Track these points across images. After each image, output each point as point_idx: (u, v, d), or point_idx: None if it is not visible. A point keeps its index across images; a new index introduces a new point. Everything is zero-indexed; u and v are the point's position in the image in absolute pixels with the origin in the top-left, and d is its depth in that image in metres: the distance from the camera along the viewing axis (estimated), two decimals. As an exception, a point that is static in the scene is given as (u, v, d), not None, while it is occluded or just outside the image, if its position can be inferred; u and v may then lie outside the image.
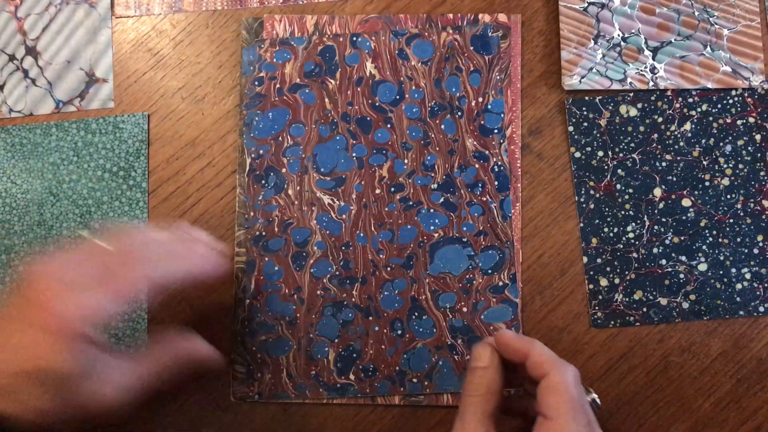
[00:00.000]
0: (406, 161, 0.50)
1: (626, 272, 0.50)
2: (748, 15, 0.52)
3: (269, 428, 0.50)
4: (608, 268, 0.50)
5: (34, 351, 0.37)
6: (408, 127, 0.50)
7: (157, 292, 0.42)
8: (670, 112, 0.51)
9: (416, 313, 0.49)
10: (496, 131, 0.50)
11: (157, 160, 0.53)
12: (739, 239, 0.50)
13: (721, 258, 0.50)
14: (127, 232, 0.44)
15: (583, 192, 0.51)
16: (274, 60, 0.52)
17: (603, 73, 0.51)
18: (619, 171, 0.51)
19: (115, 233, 0.43)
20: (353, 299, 0.50)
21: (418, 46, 0.51)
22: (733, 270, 0.50)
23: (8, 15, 0.55)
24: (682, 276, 0.50)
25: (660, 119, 0.51)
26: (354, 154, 0.50)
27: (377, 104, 0.51)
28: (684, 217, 0.50)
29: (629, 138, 0.51)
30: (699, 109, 0.51)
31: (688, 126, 0.51)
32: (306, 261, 0.50)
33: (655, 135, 0.51)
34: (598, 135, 0.51)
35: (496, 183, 0.50)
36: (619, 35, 0.52)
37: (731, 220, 0.50)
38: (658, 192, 0.51)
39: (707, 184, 0.51)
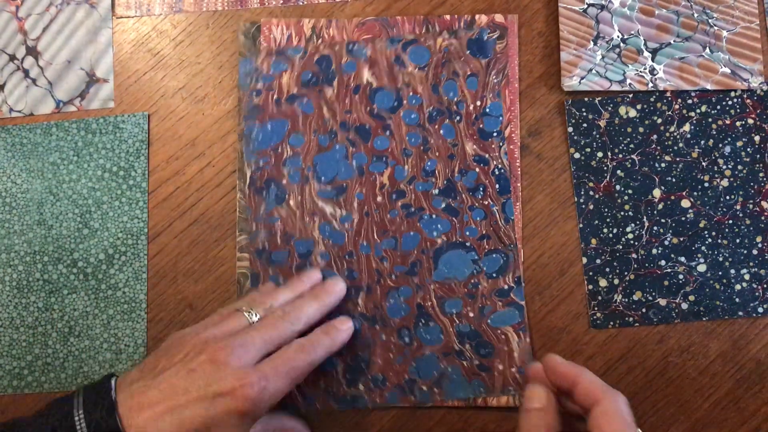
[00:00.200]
0: (406, 167, 0.50)
1: (625, 273, 0.50)
2: (747, 17, 0.52)
3: (268, 428, 0.50)
4: (607, 269, 0.50)
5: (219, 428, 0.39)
6: (407, 134, 0.50)
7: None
8: (670, 113, 0.51)
9: (423, 320, 0.49)
10: (495, 134, 0.50)
11: (157, 160, 0.53)
12: (738, 240, 0.50)
13: (720, 259, 0.50)
14: (300, 308, 0.45)
15: (582, 193, 0.51)
16: (271, 71, 0.52)
17: (602, 74, 0.52)
18: (619, 172, 0.51)
19: (284, 310, 0.45)
20: (359, 308, 0.49)
21: (415, 51, 0.51)
22: (732, 271, 0.50)
23: (9, 15, 0.55)
24: (681, 277, 0.50)
25: (659, 120, 0.51)
26: (354, 163, 0.50)
27: (375, 112, 0.50)
28: (683, 218, 0.50)
29: (629, 139, 0.51)
30: (698, 111, 0.51)
31: (687, 127, 0.51)
32: None
33: (655, 136, 0.51)
34: (598, 136, 0.51)
35: (497, 186, 0.50)
36: (618, 36, 0.52)
37: (730, 221, 0.50)
38: (657, 193, 0.51)
39: (706, 185, 0.51)
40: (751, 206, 0.50)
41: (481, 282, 0.49)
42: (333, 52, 0.51)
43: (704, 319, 0.50)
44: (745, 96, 0.51)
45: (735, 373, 0.49)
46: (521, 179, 0.51)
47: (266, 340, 0.42)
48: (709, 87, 0.51)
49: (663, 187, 0.51)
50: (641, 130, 0.51)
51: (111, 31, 0.55)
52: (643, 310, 0.50)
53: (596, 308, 0.50)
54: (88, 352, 0.51)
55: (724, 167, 0.51)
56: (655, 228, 0.50)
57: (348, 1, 0.54)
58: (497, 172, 0.50)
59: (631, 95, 0.52)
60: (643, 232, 0.50)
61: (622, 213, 0.51)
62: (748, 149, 0.51)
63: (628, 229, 0.51)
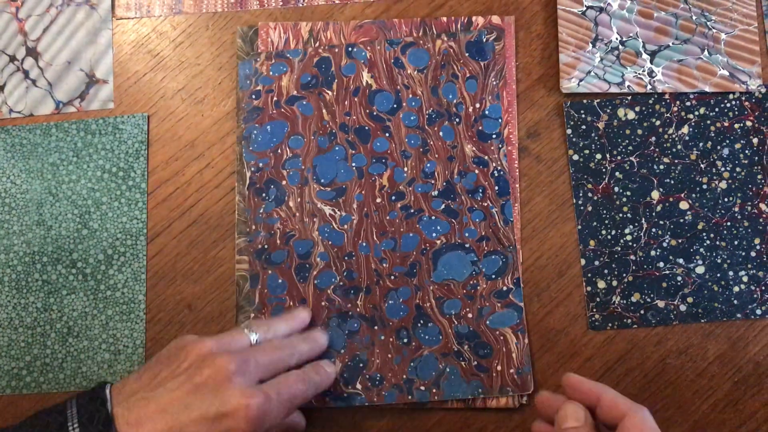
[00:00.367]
0: (405, 169, 0.50)
1: (624, 275, 0.50)
2: (745, 19, 0.52)
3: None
4: (606, 271, 0.50)
5: None
6: (406, 135, 0.50)
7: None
8: (668, 115, 0.52)
9: (421, 321, 0.49)
10: (494, 136, 0.50)
11: (156, 160, 0.53)
12: (736, 242, 0.50)
13: (719, 261, 0.50)
14: (294, 345, 0.46)
15: (581, 194, 0.51)
16: (271, 73, 0.52)
17: (601, 77, 0.52)
18: (617, 174, 0.51)
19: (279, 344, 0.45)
20: (358, 309, 0.49)
21: (414, 54, 0.51)
22: (731, 273, 0.50)
23: (9, 16, 0.55)
24: (679, 278, 0.50)
25: (658, 122, 0.51)
26: (353, 164, 0.50)
27: (375, 113, 0.51)
28: (681, 220, 0.51)
29: (627, 141, 0.51)
30: (696, 113, 0.51)
31: (685, 129, 0.51)
32: (309, 273, 0.50)
33: (653, 138, 0.51)
34: (596, 138, 0.52)
35: (496, 188, 0.50)
36: (617, 39, 0.52)
37: (728, 223, 0.50)
38: (655, 195, 0.51)
39: (705, 187, 0.51)
40: (749, 208, 0.51)
41: (480, 283, 0.49)
42: (332, 54, 0.51)
43: (702, 320, 0.50)
44: (743, 98, 0.51)
45: (733, 374, 0.49)
46: (520, 181, 0.51)
47: (266, 364, 0.42)
48: (707, 89, 0.51)
49: (661, 189, 0.51)
50: (640, 132, 0.51)
51: (111, 32, 0.55)
52: (642, 311, 0.50)
53: (594, 310, 0.50)
54: (87, 352, 0.51)
55: (723, 169, 0.51)
56: (654, 230, 0.50)
57: (347, 3, 0.54)
58: (496, 174, 0.50)
59: (629, 97, 0.52)
60: (642, 234, 0.50)
61: (621, 215, 0.51)
62: (747, 151, 0.51)
63: (627, 230, 0.51)
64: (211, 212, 0.52)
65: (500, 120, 0.50)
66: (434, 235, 0.50)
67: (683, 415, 0.49)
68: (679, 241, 0.50)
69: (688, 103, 0.52)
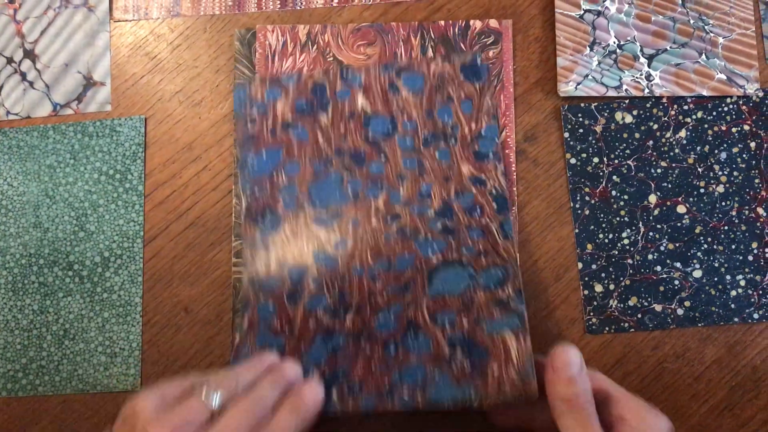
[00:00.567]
0: (401, 191, 0.49)
1: (621, 278, 0.50)
2: (743, 23, 0.52)
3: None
4: (603, 274, 0.50)
5: None
6: (402, 158, 0.50)
7: None
8: (666, 119, 0.52)
9: (412, 332, 0.46)
10: (491, 155, 0.49)
11: (153, 163, 0.53)
12: (733, 246, 0.50)
13: (716, 265, 0.50)
14: (261, 395, 0.41)
15: (578, 198, 0.51)
16: (266, 99, 0.51)
17: (599, 80, 0.52)
18: (615, 177, 0.51)
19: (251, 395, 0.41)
20: (345, 325, 0.47)
21: (409, 78, 0.51)
22: (728, 277, 0.50)
23: (7, 18, 0.55)
24: (676, 282, 0.50)
25: (655, 126, 0.51)
26: (349, 189, 0.49)
27: (370, 137, 0.50)
28: (679, 224, 0.50)
29: (624, 144, 0.51)
30: (694, 117, 0.51)
31: (683, 133, 0.51)
32: (301, 297, 0.48)
33: (651, 142, 0.51)
34: (594, 141, 0.52)
35: (494, 205, 0.49)
36: (614, 42, 0.52)
37: (726, 227, 0.50)
38: (653, 198, 0.51)
39: (702, 191, 0.51)
40: (746, 212, 0.50)
41: (477, 293, 0.47)
42: (327, 80, 0.51)
43: (700, 325, 0.50)
44: (740, 102, 0.51)
45: (731, 379, 0.49)
46: (517, 184, 0.51)
47: None
48: (705, 93, 0.51)
49: (659, 193, 0.51)
50: (637, 135, 0.51)
51: (108, 34, 0.55)
52: (639, 315, 0.50)
53: (591, 314, 0.50)
54: (83, 355, 0.51)
55: (720, 173, 0.51)
56: (651, 234, 0.50)
57: (345, 6, 0.54)
58: (494, 192, 0.49)
59: (627, 101, 0.52)
60: (639, 238, 0.50)
61: (618, 218, 0.51)
62: (744, 155, 0.51)
63: (624, 234, 0.51)
64: (208, 215, 0.52)
65: (496, 140, 0.50)
66: (431, 253, 0.48)
67: (680, 420, 0.49)
68: (677, 244, 0.50)
69: (685, 107, 0.52)
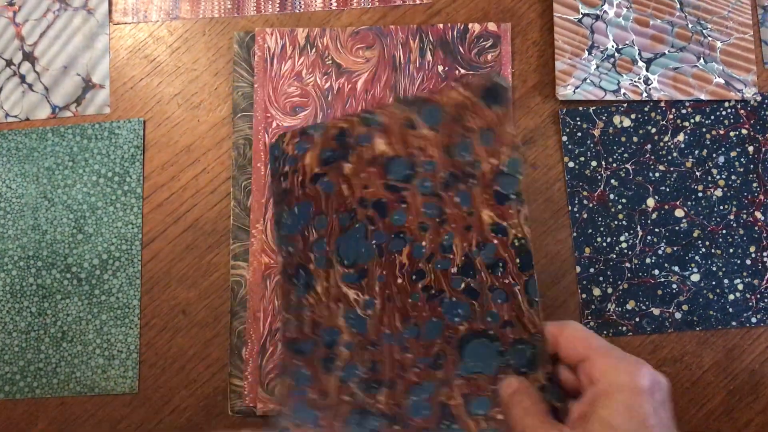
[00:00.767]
0: (424, 243, 0.47)
1: (619, 282, 0.50)
2: (741, 28, 0.52)
3: (260, 435, 0.50)
4: (601, 278, 0.50)
5: None
6: (423, 204, 0.47)
7: None
8: (664, 123, 0.52)
9: (446, 423, 0.44)
10: (513, 197, 0.45)
11: (152, 165, 0.53)
12: (731, 250, 0.50)
13: (714, 269, 0.50)
14: None
15: (576, 202, 0.51)
16: (296, 152, 0.49)
17: (597, 84, 0.52)
18: (613, 181, 0.51)
19: None
20: (380, 405, 0.46)
21: (428, 112, 0.47)
22: (726, 281, 0.50)
23: (6, 20, 0.55)
24: (674, 286, 0.50)
25: (653, 130, 0.52)
26: (374, 242, 0.47)
27: (390, 183, 0.47)
28: (677, 228, 0.51)
29: (623, 148, 0.51)
30: (692, 121, 0.52)
31: (681, 137, 0.51)
32: (334, 363, 0.47)
33: (649, 145, 0.51)
34: (592, 145, 0.52)
35: (517, 260, 0.45)
36: (613, 46, 0.52)
37: (724, 231, 0.50)
38: (651, 202, 0.51)
39: (700, 194, 0.51)
40: (744, 216, 0.51)
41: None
42: (350, 126, 0.48)
43: (698, 328, 0.50)
44: (738, 106, 0.52)
45: (728, 383, 0.49)
46: (515, 188, 0.51)
47: None
48: (703, 97, 0.51)
49: (657, 197, 0.51)
50: (635, 139, 0.51)
51: (108, 37, 0.55)
52: (637, 319, 0.50)
53: (589, 317, 0.50)
54: (81, 357, 0.51)
55: (718, 177, 0.51)
56: (649, 237, 0.50)
57: (344, 9, 0.54)
58: (517, 244, 0.45)
59: (625, 105, 0.52)
60: (637, 242, 0.50)
61: (616, 222, 0.51)
62: (742, 159, 0.51)
63: (622, 238, 0.51)
64: (206, 218, 0.52)
65: (518, 177, 0.46)
66: (456, 319, 0.46)
67: (678, 424, 0.49)
68: (675, 248, 0.50)
69: (683, 111, 0.52)
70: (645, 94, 0.52)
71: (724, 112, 0.51)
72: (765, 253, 0.50)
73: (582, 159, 0.51)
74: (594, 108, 0.52)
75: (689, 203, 0.51)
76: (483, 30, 0.53)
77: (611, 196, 0.51)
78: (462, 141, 0.46)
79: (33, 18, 0.55)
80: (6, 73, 0.55)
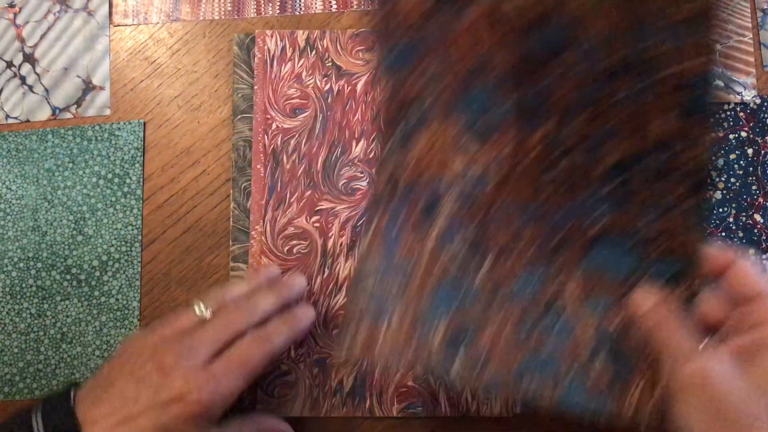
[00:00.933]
0: (571, 127, 0.40)
1: (618, 284, 0.50)
2: (740, 30, 0.52)
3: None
4: (600, 280, 0.50)
5: None
6: (574, 90, 0.40)
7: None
8: (663, 125, 0.52)
9: (553, 314, 0.39)
10: (702, 112, 0.38)
11: (152, 167, 0.53)
12: (730, 252, 0.50)
13: (713, 271, 0.50)
14: (255, 301, 0.44)
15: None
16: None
17: (596, 86, 0.52)
18: (612, 183, 0.51)
19: (227, 306, 0.44)
20: (480, 276, 0.40)
21: None
22: (725, 283, 0.50)
23: (7, 22, 0.55)
24: (674, 289, 0.50)
25: (653, 132, 0.52)
26: (510, 104, 0.41)
27: (533, 51, 0.40)
28: (676, 230, 0.51)
29: (622, 151, 0.51)
30: (691, 123, 0.52)
31: (680, 139, 0.51)
32: (437, 215, 0.40)
33: (648, 148, 0.51)
34: (591, 147, 0.52)
35: (687, 183, 0.39)
36: (612, 49, 0.52)
37: (723, 234, 0.50)
38: (650, 205, 0.51)
39: (699, 197, 0.51)
40: (743, 219, 0.51)
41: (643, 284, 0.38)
42: None
43: (697, 331, 0.50)
44: (738, 109, 0.52)
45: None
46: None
47: (217, 338, 0.42)
48: (702, 100, 0.51)
49: (656, 199, 0.51)
50: (635, 142, 0.52)
51: (108, 39, 0.55)
52: (636, 321, 0.50)
53: (589, 319, 0.50)
54: (80, 358, 0.51)
55: (717, 179, 0.51)
56: (648, 240, 0.51)
57: (344, 11, 0.54)
58: (691, 166, 0.39)
59: (624, 107, 0.52)
60: (636, 244, 0.51)
61: (616, 224, 0.51)
62: (741, 162, 0.51)
63: (621, 240, 0.51)
64: (206, 219, 0.53)
65: (714, 91, 0.39)
66: (596, 215, 0.39)
67: (677, 426, 0.49)
68: (674, 251, 0.50)
69: (683, 114, 0.52)
70: (644, 97, 0.52)
71: (723, 115, 0.52)
72: (764, 256, 0.50)
73: (581, 161, 0.52)
74: (593, 110, 0.52)
75: (688, 206, 0.51)
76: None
77: (611, 199, 0.51)
78: (645, 24, 0.37)
79: (33, 20, 0.55)
80: (6, 74, 0.55)
